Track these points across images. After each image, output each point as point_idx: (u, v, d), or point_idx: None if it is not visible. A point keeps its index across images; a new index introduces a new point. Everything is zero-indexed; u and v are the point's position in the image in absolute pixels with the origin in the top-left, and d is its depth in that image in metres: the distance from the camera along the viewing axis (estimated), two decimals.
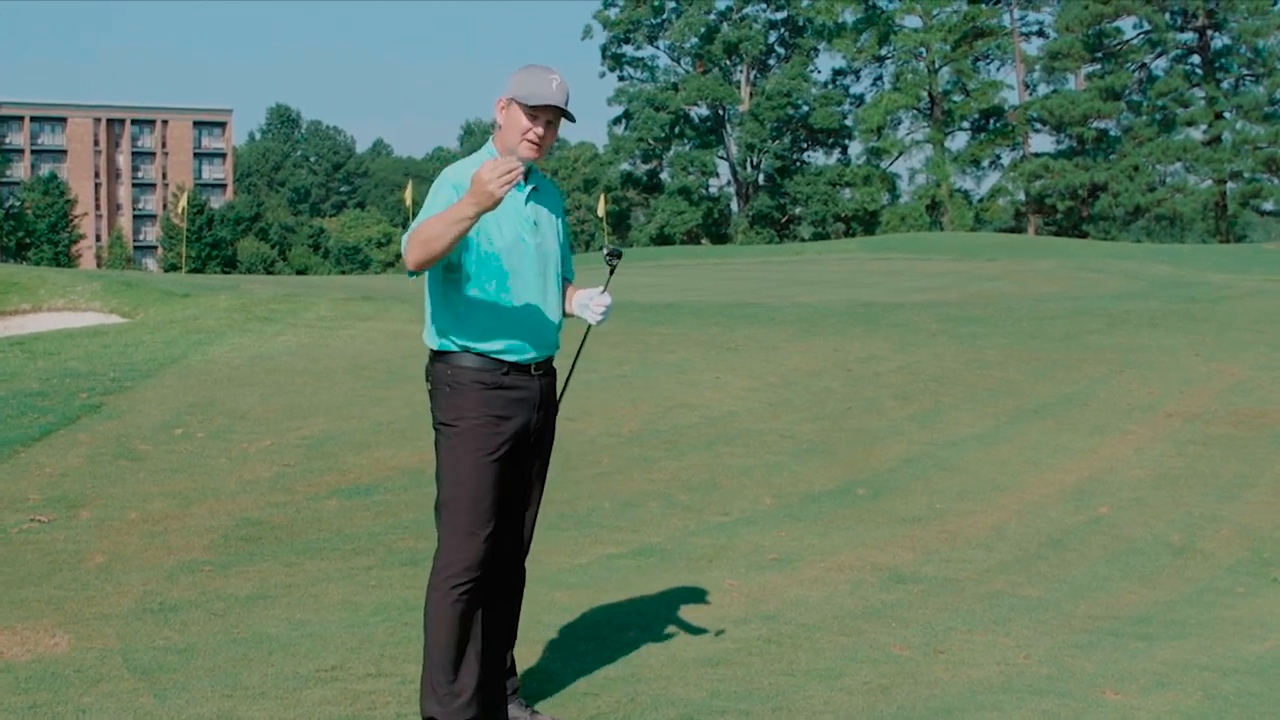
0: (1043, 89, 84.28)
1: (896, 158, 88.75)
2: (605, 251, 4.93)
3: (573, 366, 5.13)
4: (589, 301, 4.85)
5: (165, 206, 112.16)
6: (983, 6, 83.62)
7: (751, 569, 7.64)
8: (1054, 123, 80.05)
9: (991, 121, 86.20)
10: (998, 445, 11.29)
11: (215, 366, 13.36)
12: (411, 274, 4.61)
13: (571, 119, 4.75)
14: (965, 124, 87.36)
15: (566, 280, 5.04)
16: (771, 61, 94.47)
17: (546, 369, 4.88)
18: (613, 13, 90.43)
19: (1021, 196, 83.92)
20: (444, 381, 4.75)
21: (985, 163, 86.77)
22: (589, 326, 4.95)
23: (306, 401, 11.64)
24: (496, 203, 4.33)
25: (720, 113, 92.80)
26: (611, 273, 4.96)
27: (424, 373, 4.90)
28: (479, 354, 4.72)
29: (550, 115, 4.73)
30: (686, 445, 10.71)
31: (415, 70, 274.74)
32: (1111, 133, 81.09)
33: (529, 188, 4.85)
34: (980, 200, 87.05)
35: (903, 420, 12.02)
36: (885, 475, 10.16)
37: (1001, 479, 10.23)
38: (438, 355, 4.79)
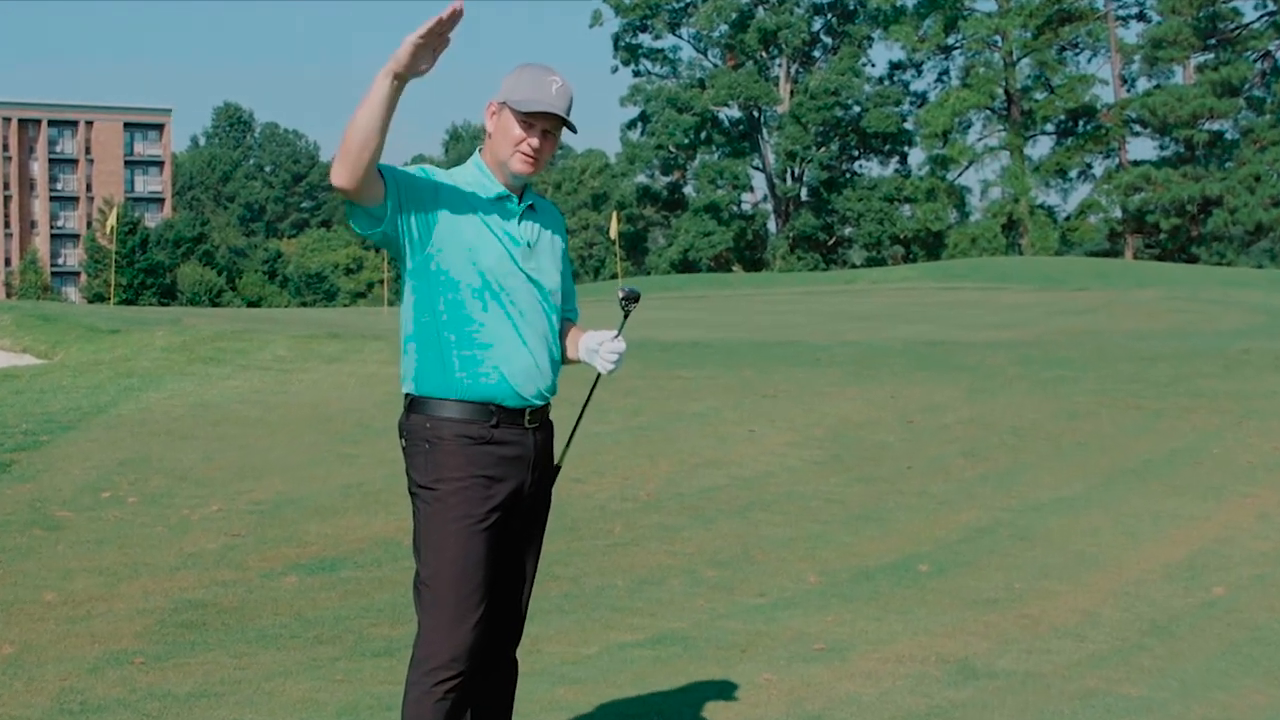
0: (1143, 84, 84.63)
1: (966, 168, 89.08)
2: (621, 294, 4.92)
3: (578, 420, 5.12)
4: (598, 346, 4.86)
5: (90, 224, 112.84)
6: None
7: (793, 660, 7.63)
8: (1157, 124, 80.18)
9: (1081, 123, 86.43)
10: (1089, 512, 11.27)
11: (150, 417, 13.39)
12: (351, 210, 4.54)
13: (573, 129, 4.79)
14: (1049, 127, 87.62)
15: (569, 320, 5.06)
16: (817, 53, 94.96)
17: (542, 420, 4.90)
18: None
19: (1117, 213, 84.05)
20: (421, 436, 4.75)
21: (1073, 173, 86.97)
22: (598, 375, 4.96)
23: (260, 459, 11.66)
24: (413, 54, 4.30)
25: (755, 114, 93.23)
26: (626, 317, 4.97)
27: (397, 426, 4.91)
28: (462, 401, 4.73)
29: (548, 123, 4.75)
30: (715, 511, 10.70)
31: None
32: (1227, 135, 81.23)
33: (522, 206, 4.88)
34: (1067, 218, 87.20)
35: (974, 482, 12.00)
36: (953, 548, 10.14)
37: (1094, 553, 10.20)
38: (414, 403, 4.79)
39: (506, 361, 4.74)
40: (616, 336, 4.84)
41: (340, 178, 4.44)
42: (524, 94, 4.70)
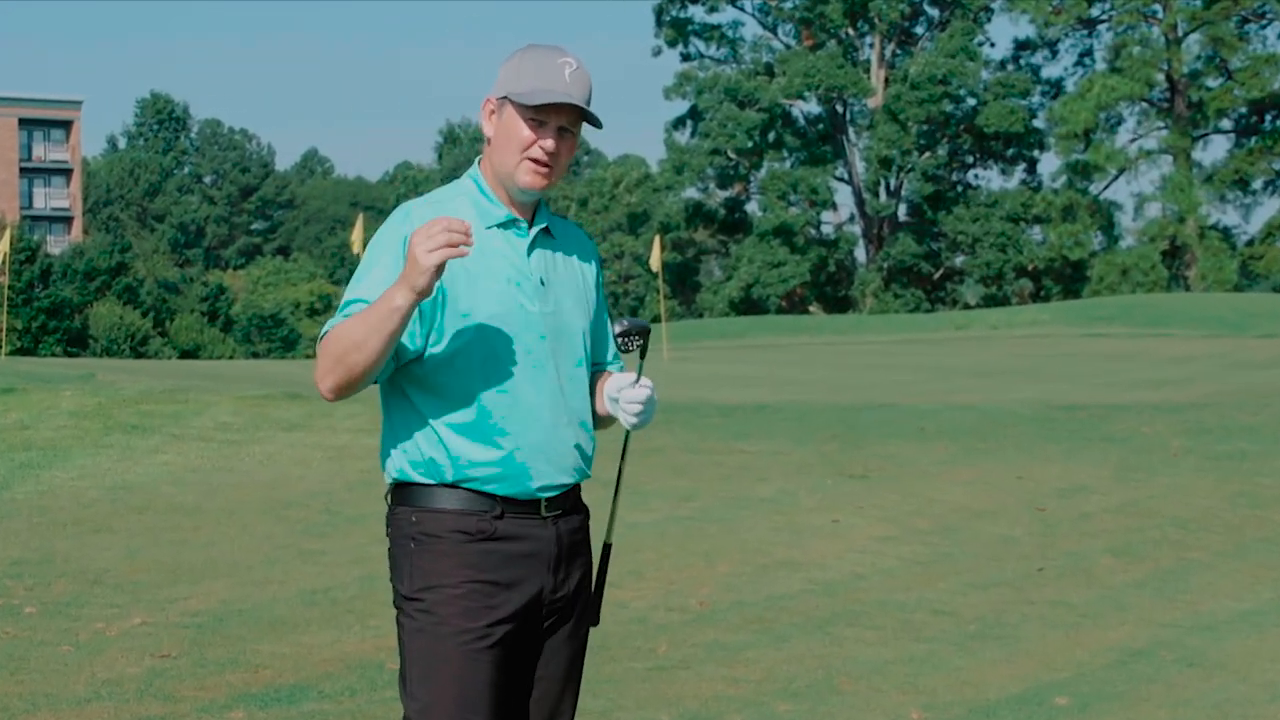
0: None
1: (1115, 178, 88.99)
2: (617, 329, 4.91)
3: (616, 493, 5.06)
4: (618, 394, 4.83)
5: None
6: None
7: None
8: None
9: (1268, 119, 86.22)
10: None
11: (54, 503, 13.46)
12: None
13: (596, 123, 4.76)
14: (1225, 123, 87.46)
15: (606, 371, 5.03)
16: (919, 29, 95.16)
17: (568, 506, 4.87)
18: None
19: None
20: (404, 533, 4.74)
21: (1257, 184, 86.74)
22: (627, 433, 4.93)
23: (198, 557, 11.70)
24: (430, 280, 4.40)
25: (839, 110, 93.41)
26: (642, 355, 4.92)
27: (384, 518, 4.88)
28: (457, 489, 4.72)
29: (564, 118, 4.71)
30: (788, 626, 10.69)
31: (366, 48, 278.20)
32: None
33: (534, 230, 4.85)
34: (1249, 243, 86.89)
35: (1126, 589, 11.96)
36: (1099, 675, 10.11)
37: None
38: (397, 492, 4.79)
39: (514, 436, 4.70)
40: (636, 381, 4.80)
41: (331, 394, 4.75)
42: (529, 83, 4.66)
